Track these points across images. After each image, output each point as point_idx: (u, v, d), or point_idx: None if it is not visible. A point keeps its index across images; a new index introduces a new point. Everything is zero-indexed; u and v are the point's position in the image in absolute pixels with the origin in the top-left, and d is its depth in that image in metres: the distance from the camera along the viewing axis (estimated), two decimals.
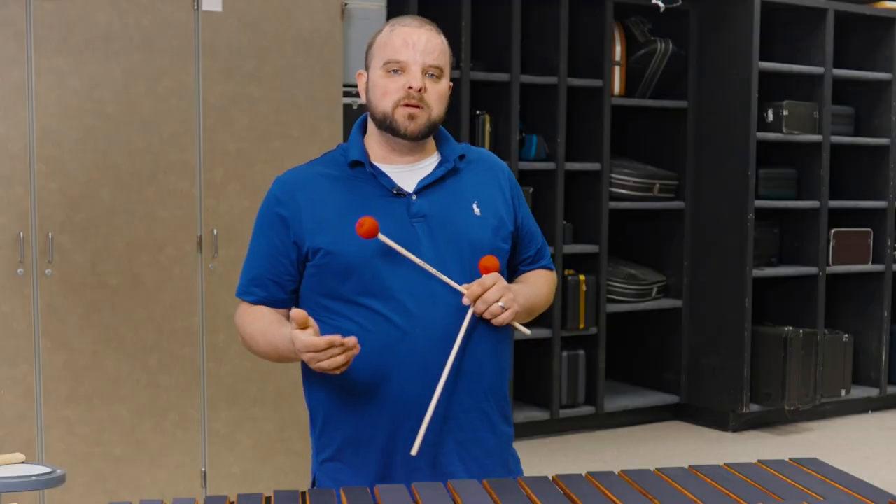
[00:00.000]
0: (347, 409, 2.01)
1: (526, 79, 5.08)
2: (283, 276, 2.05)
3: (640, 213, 5.66)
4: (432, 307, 1.97)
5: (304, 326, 1.85)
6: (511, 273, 2.18)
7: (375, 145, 2.07)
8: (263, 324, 2.03)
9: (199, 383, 3.89)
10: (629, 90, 5.51)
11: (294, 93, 4.00)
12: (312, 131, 4.05)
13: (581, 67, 5.30)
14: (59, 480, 2.07)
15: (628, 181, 5.43)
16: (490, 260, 1.98)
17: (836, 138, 5.69)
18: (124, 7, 3.68)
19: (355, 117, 4.48)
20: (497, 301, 1.95)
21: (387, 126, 2.01)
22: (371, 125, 2.08)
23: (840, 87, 5.81)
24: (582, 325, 5.31)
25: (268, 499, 1.82)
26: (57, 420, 3.65)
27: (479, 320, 1.99)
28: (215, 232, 3.86)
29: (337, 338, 1.83)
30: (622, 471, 1.99)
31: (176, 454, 3.85)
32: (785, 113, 5.47)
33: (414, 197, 2.02)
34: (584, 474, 1.96)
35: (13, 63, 3.54)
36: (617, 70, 5.40)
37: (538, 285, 2.17)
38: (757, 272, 5.45)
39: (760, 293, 5.71)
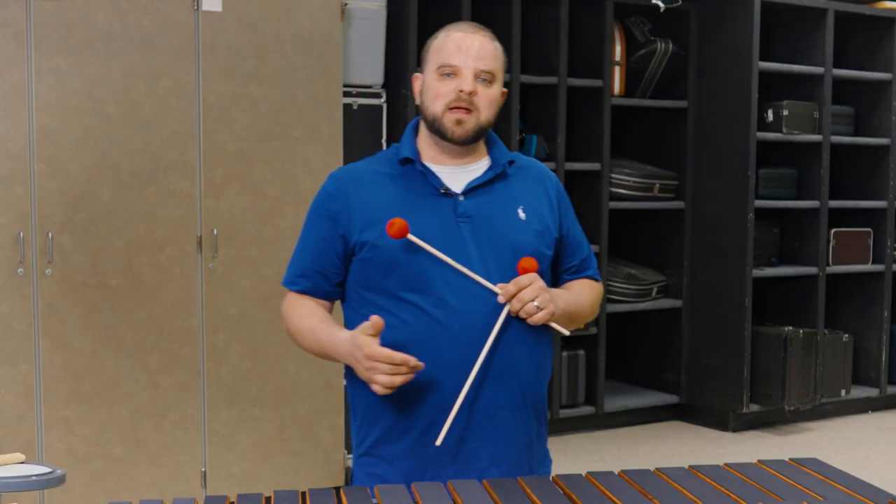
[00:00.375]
0: (385, 403, 2.03)
1: (526, 79, 5.08)
2: (329, 268, 2.10)
3: (640, 213, 5.66)
4: (472, 304, 2.01)
5: (376, 333, 1.89)
6: (556, 281, 2.20)
7: (426, 146, 2.12)
8: (313, 321, 2.08)
9: (199, 383, 3.89)
10: (629, 90, 5.51)
11: (294, 93, 4.00)
12: (312, 131, 4.05)
13: (581, 67, 5.30)
14: (59, 480, 2.07)
15: (628, 181, 5.43)
16: (528, 261, 2.01)
17: (836, 138, 5.69)
18: (124, 7, 3.68)
19: (355, 117, 4.50)
20: (532, 300, 1.97)
21: (436, 129, 2.07)
22: (423, 127, 2.13)
23: (840, 87, 5.81)
24: (582, 325, 5.30)
25: (268, 499, 1.82)
26: (57, 420, 3.65)
27: (516, 319, 2.01)
28: (215, 232, 3.86)
29: (412, 359, 1.88)
30: (622, 471, 1.99)
31: (176, 454, 3.85)
32: (785, 113, 5.47)
33: (461, 197, 2.07)
34: (584, 474, 1.96)
35: (13, 63, 3.54)
36: (617, 70, 5.40)
37: (581, 293, 2.19)
38: (757, 272, 5.45)
39: (760, 293, 5.71)
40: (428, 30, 5.03)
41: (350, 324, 2.10)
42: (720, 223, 5.47)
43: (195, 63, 3.81)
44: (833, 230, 5.73)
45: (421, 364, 1.89)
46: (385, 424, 2.05)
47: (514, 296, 1.97)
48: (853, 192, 5.97)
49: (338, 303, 2.20)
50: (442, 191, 2.07)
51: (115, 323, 3.73)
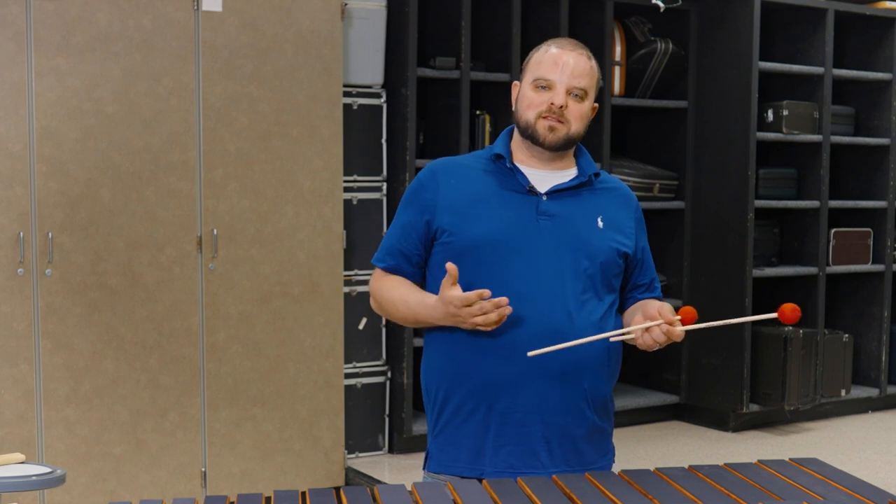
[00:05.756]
0: (454, 384, 2.15)
1: None
2: (411, 250, 2.22)
3: None
4: (544, 298, 2.10)
5: (455, 281, 2.02)
6: (623, 294, 2.30)
7: (518, 149, 2.24)
8: (403, 290, 2.20)
9: (199, 383, 3.89)
10: (629, 90, 5.51)
11: (294, 93, 4.00)
12: (312, 131, 4.05)
13: None
14: (59, 480, 2.07)
15: (628, 181, 5.43)
16: (690, 312, 2.07)
17: (836, 138, 5.69)
18: (124, 7, 3.68)
19: (355, 117, 4.50)
20: (657, 343, 2.08)
21: (528, 134, 2.19)
22: (516, 132, 2.24)
23: (840, 87, 5.81)
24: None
25: (268, 499, 1.82)
26: (57, 420, 3.65)
27: (589, 325, 2.14)
28: (215, 232, 3.86)
29: (486, 292, 2.01)
30: (622, 471, 1.99)
31: (176, 454, 3.85)
32: (785, 113, 5.47)
33: (544, 197, 2.18)
34: (584, 474, 1.96)
35: (13, 63, 3.54)
36: (617, 70, 5.40)
37: None
38: (757, 272, 5.45)
39: (760, 293, 5.71)
40: (428, 30, 5.05)
41: None
42: (720, 223, 5.47)
43: (195, 63, 3.81)
44: (833, 230, 5.73)
45: (503, 299, 2.01)
46: (451, 406, 2.16)
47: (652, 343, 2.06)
48: (853, 192, 5.96)
49: None
50: (527, 188, 2.18)
51: (115, 323, 3.73)
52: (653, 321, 2.05)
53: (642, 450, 5.13)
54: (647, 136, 5.81)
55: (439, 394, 2.19)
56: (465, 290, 2.06)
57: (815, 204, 5.62)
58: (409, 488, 1.87)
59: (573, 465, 2.12)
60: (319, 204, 4.08)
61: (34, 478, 2.04)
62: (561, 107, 2.14)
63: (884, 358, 5.94)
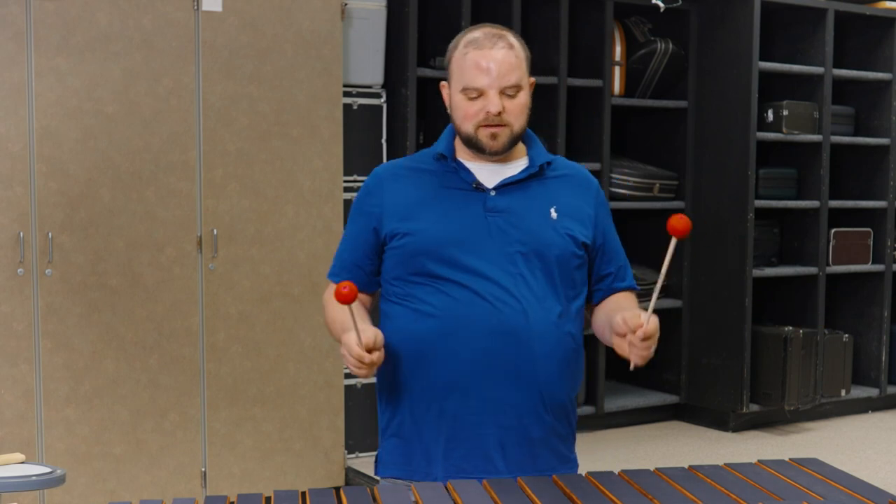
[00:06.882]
0: (405, 386, 2.11)
1: None
2: (363, 260, 2.18)
3: (640, 213, 5.66)
4: (498, 299, 2.04)
5: (369, 349, 1.96)
6: (591, 286, 2.22)
7: (463, 146, 2.16)
8: (336, 312, 2.13)
9: (199, 383, 3.89)
10: (629, 90, 5.51)
11: (294, 93, 4.00)
12: (312, 131, 4.05)
13: (581, 67, 5.30)
14: (59, 480, 2.07)
15: (628, 181, 5.43)
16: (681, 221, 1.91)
17: (836, 138, 5.69)
18: (124, 7, 3.68)
19: (355, 117, 4.50)
20: (642, 353, 1.98)
21: (472, 144, 2.12)
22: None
23: (840, 87, 5.81)
24: None
25: (268, 499, 1.82)
26: (57, 420, 3.65)
27: (542, 323, 2.06)
28: (215, 232, 3.86)
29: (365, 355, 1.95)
30: (622, 471, 1.99)
31: (176, 454, 3.85)
32: (785, 113, 5.47)
33: (492, 193, 2.11)
34: (584, 474, 1.96)
35: (13, 63, 3.54)
36: (617, 70, 5.40)
37: None
38: (757, 272, 5.45)
39: (760, 293, 5.71)
40: (428, 30, 5.04)
41: (383, 315, 2.17)
42: (720, 223, 5.47)
43: (195, 63, 3.81)
44: (833, 230, 5.73)
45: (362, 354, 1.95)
46: (404, 410, 2.12)
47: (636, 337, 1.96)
48: (853, 192, 5.96)
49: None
50: (473, 185, 2.12)
51: (115, 323, 3.73)
52: (626, 337, 1.96)
53: (642, 450, 5.13)
54: (647, 136, 5.81)
55: (391, 396, 2.13)
56: (414, 295, 2.05)
57: (815, 204, 5.62)
58: (409, 488, 1.87)
59: (529, 471, 2.05)
60: (319, 204, 4.08)
61: (34, 478, 2.04)
62: (498, 113, 2.06)
63: (884, 358, 5.94)
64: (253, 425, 3.99)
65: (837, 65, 5.70)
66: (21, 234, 3.57)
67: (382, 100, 4.58)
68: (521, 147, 2.18)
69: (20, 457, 2.15)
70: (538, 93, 5.21)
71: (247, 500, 1.80)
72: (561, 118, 5.17)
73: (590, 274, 2.20)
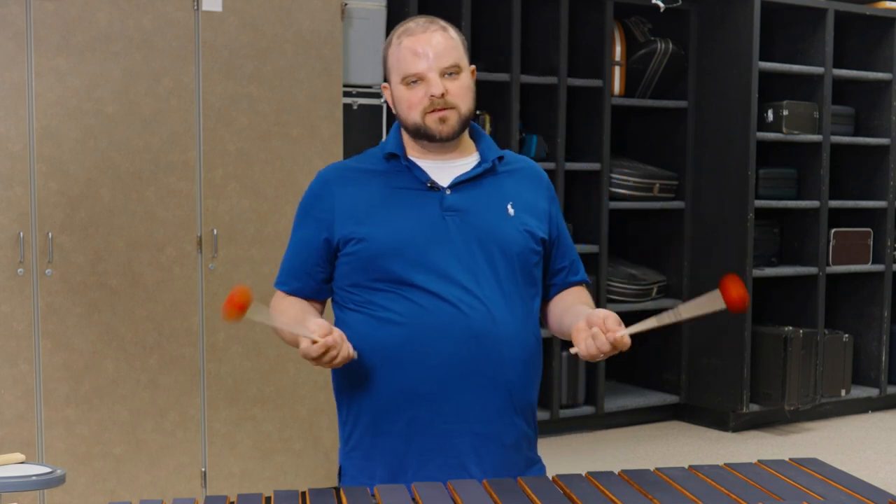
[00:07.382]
0: (368, 396, 2.05)
1: (526, 79, 5.07)
2: (313, 268, 2.11)
3: (640, 213, 5.66)
4: (462, 302, 1.99)
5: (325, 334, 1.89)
6: (546, 281, 2.18)
7: (412, 143, 2.10)
8: (286, 318, 2.05)
9: (199, 383, 3.89)
10: (629, 90, 5.51)
11: (294, 93, 4.00)
12: (312, 131, 4.05)
13: (581, 67, 5.30)
14: (59, 480, 2.07)
15: (628, 181, 5.43)
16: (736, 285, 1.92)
17: (836, 138, 5.69)
18: (124, 7, 3.68)
19: (355, 117, 4.50)
20: (602, 351, 1.94)
21: (421, 134, 2.05)
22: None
23: (840, 87, 5.81)
24: None
25: (268, 499, 1.82)
26: (57, 420, 3.65)
27: (508, 323, 2.02)
28: (215, 232, 3.86)
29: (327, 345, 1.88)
30: (622, 471, 1.99)
31: (176, 454, 3.85)
32: (785, 113, 5.47)
33: (448, 191, 2.05)
34: (584, 474, 1.96)
35: (13, 63, 3.54)
36: (617, 70, 5.40)
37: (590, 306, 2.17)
38: (757, 272, 5.45)
39: (760, 293, 5.71)
40: None
41: (339, 323, 2.09)
42: (720, 223, 5.47)
43: (195, 63, 3.81)
44: (833, 230, 5.73)
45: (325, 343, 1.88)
46: (368, 420, 2.06)
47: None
48: (853, 192, 5.96)
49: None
50: (428, 185, 2.05)
51: (115, 323, 3.73)
52: (592, 328, 1.93)
53: (642, 450, 5.13)
54: (647, 136, 5.81)
55: (352, 406, 2.07)
56: (374, 301, 2.00)
57: (815, 204, 5.62)
58: (409, 488, 1.87)
59: (501, 477, 1.99)
60: None
61: (34, 478, 2.04)
62: (442, 94, 2.00)
63: (884, 358, 5.94)
64: (253, 425, 3.99)
65: (837, 65, 5.70)
66: (21, 234, 3.57)
67: (382, 100, 4.58)
68: (469, 142, 2.13)
69: (20, 457, 2.14)
70: (538, 93, 5.25)
71: (247, 500, 1.80)
72: (561, 118, 5.17)
73: (545, 269, 2.16)
